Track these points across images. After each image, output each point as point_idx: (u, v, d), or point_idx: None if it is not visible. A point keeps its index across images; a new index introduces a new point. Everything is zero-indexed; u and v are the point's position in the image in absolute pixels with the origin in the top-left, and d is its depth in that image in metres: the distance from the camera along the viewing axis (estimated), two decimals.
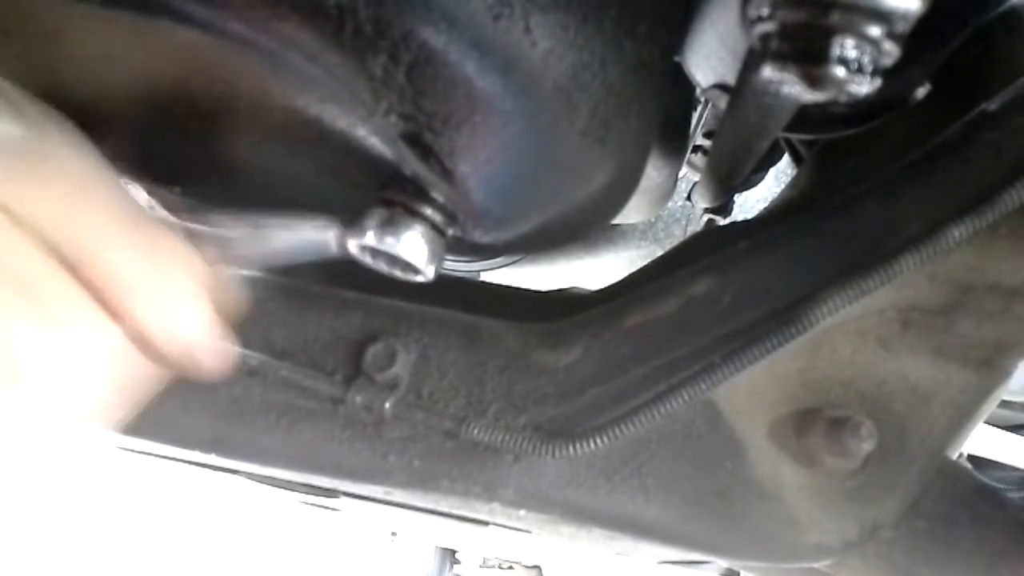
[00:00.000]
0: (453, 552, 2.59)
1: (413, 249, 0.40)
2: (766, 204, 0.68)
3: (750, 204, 1.30)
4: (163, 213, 0.38)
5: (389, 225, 0.40)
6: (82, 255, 0.30)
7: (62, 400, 0.32)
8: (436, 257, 0.41)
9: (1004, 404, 1.27)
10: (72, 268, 0.30)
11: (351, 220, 0.40)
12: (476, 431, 0.49)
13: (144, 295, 0.32)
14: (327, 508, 0.80)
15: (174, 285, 0.34)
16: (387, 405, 0.50)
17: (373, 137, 0.40)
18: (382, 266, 0.42)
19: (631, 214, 1.08)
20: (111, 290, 0.31)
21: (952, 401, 0.53)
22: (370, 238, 0.40)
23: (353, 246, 0.41)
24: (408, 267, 0.41)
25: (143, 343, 0.33)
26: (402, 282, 0.43)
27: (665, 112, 0.62)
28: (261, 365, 0.51)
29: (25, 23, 0.39)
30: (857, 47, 0.27)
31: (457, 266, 1.24)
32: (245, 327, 0.53)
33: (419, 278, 0.42)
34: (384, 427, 0.51)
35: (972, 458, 1.28)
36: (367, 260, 0.42)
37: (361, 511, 0.72)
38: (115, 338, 0.32)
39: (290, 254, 0.42)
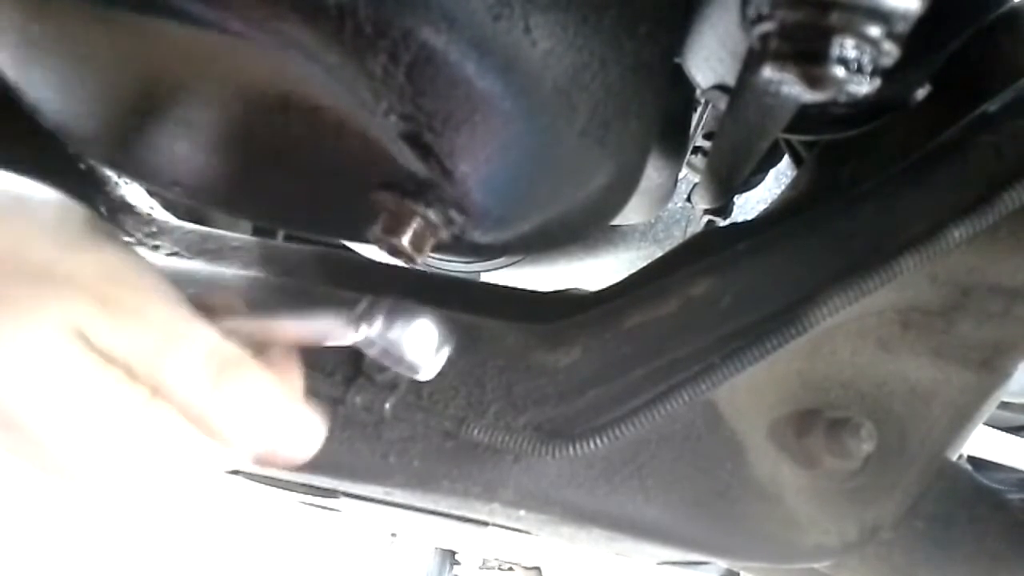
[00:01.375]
0: (453, 553, 2.58)
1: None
2: (766, 205, 0.68)
3: (750, 205, 1.30)
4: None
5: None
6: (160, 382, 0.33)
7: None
8: (445, 345, 0.39)
9: (1004, 406, 1.27)
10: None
11: (355, 316, 0.38)
12: (476, 431, 0.49)
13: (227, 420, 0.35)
14: (327, 508, 0.80)
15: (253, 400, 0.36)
16: (387, 405, 0.50)
17: (373, 136, 0.40)
18: (375, 354, 0.39)
19: (631, 215, 1.08)
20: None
21: (952, 402, 0.53)
22: (374, 332, 0.38)
23: (357, 341, 0.38)
24: (411, 367, 0.39)
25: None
26: (402, 282, 0.43)
27: (665, 113, 0.62)
28: None
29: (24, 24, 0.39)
30: (857, 47, 0.27)
31: (457, 266, 1.24)
32: None
33: (421, 376, 0.40)
34: (384, 427, 0.51)
35: (972, 459, 1.27)
36: (374, 355, 0.39)
37: (361, 511, 0.72)
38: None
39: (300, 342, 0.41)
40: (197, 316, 0.35)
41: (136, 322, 0.32)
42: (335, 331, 0.39)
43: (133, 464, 0.34)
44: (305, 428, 0.39)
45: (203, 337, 0.34)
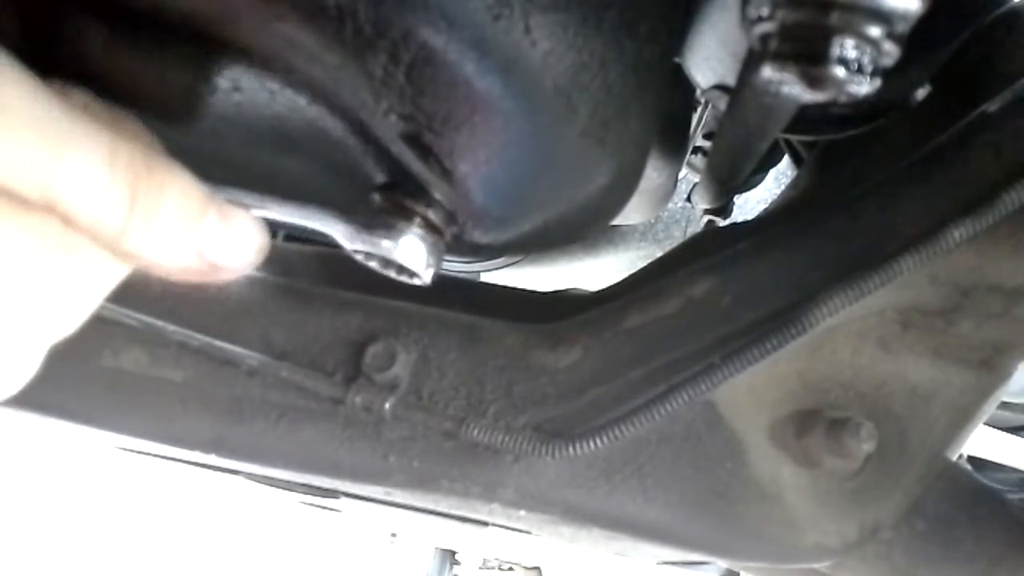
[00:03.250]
0: (453, 553, 2.59)
1: (410, 253, 0.40)
2: (766, 205, 0.68)
3: (750, 205, 1.30)
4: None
5: (387, 229, 0.40)
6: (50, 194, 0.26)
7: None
8: (434, 260, 0.41)
9: (1004, 406, 1.27)
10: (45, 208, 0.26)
11: (351, 221, 0.40)
12: (476, 431, 0.49)
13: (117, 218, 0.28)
14: (327, 508, 0.80)
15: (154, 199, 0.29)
16: (387, 405, 0.50)
17: (373, 137, 0.40)
18: (378, 267, 0.42)
19: (631, 215, 1.08)
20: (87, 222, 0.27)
21: (952, 402, 0.53)
22: (367, 241, 0.40)
23: (351, 247, 0.41)
24: (404, 271, 0.41)
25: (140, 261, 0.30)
26: (402, 282, 0.43)
27: (665, 113, 0.62)
28: (261, 365, 0.51)
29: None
30: (857, 47, 0.27)
31: (457, 266, 1.24)
32: (245, 327, 0.53)
33: (416, 281, 0.42)
34: (384, 427, 0.51)
35: (972, 459, 1.28)
36: (366, 261, 0.42)
37: (361, 512, 0.72)
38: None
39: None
40: (90, 123, 0.27)
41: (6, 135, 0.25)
42: (336, 235, 0.40)
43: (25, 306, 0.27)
44: (239, 229, 0.32)
45: (100, 142, 0.27)
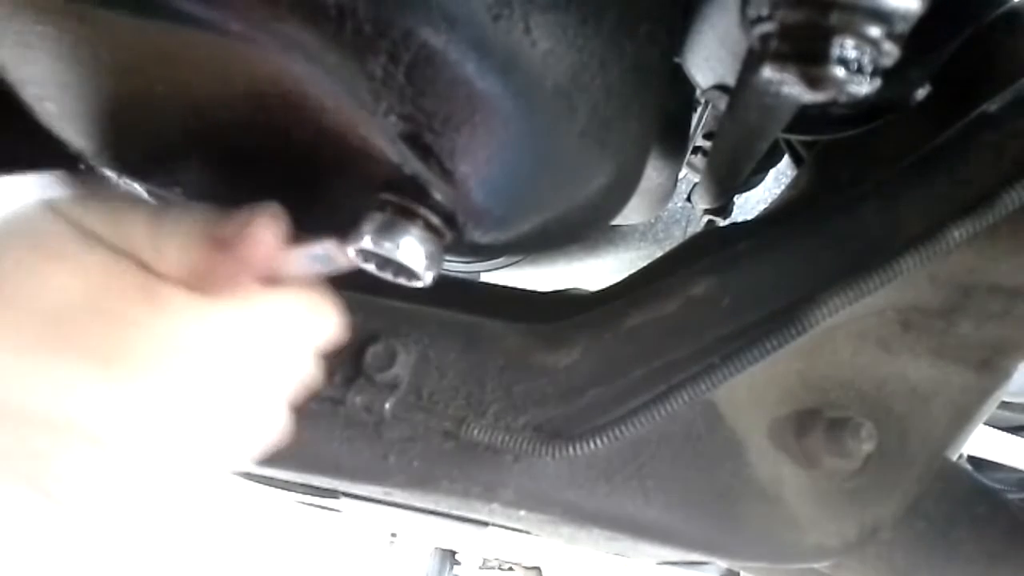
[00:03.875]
0: (453, 553, 2.59)
1: (411, 254, 0.40)
2: (766, 205, 0.68)
3: (750, 205, 1.30)
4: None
5: (387, 230, 0.40)
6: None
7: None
8: (434, 262, 0.41)
9: (1004, 405, 1.27)
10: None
11: (349, 226, 0.40)
12: (476, 432, 0.49)
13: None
14: (327, 508, 0.80)
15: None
16: (387, 405, 0.50)
17: (373, 137, 0.40)
18: (380, 271, 0.42)
19: (631, 215, 1.08)
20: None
21: (952, 402, 0.53)
22: (367, 242, 0.39)
23: (351, 251, 0.40)
24: (406, 272, 0.41)
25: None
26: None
27: (665, 113, 0.62)
28: None
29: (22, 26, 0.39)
30: (857, 47, 0.27)
31: (457, 267, 1.24)
32: None
33: (417, 283, 0.42)
34: (384, 427, 0.51)
35: (972, 459, 1.27)
36: (365, 265, 0.42)
37: (361, 511, 0.72)
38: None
39: (302, 270, 0.42)
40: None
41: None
42: (332, 254, 0.41)
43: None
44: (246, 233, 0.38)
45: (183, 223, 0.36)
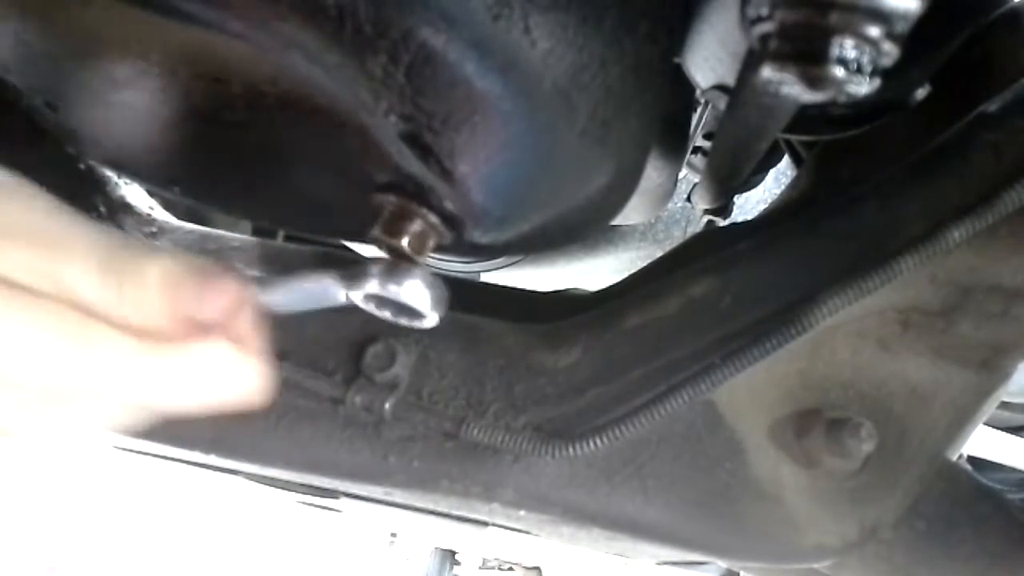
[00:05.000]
0: (453, 553, 2.59)
1: (416, 295, 0.39)
2: (766, 205, 0.68)
3: (750, 205, 1.30)
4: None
5: (391, 273, 0.39)
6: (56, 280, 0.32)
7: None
8: (440, 304, 0.40)
9: (1004, 405, 1.27)
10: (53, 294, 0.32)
11: (353, 272, 0.39)
12: (476, 431, 0.49)
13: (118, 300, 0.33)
14: (328, 509, 0.80)
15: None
16: (387, 405, 0.50)
17: (373, 137, 0.40)
18: (387, 314, 0.41)
19: (631, 215, 1.08)
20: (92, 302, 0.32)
21: (952, 402, 0.53)
22: (373, 287, 0.38)
23: (358, 297, 0.39)
24: (413, 313, 0.40)
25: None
26: None
27: (665, 113, 0.62)
28: None
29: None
30: (856, 47, 0.27)
31: (457, 266, 1.24)
32: None
33: (425, 324, 0.41)
34: (384, 427, 0.51)
35: (972, 459, 1.27)
36: (372, 309, 0.41)
37: (361, 511, 0.72)
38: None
39: (296, 306, 0.41)
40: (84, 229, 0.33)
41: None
42: (329, 292, 0.39)
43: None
44: (217, 286, 0.36)
45: (92, 246, 0.33)
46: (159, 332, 0.34)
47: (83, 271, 0.32)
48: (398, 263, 0.39)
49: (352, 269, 0.39)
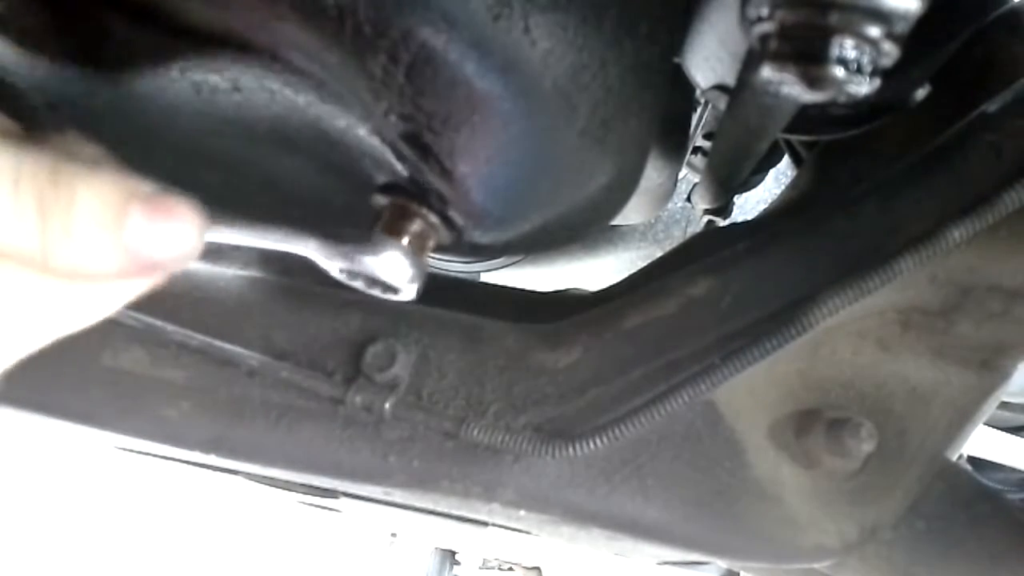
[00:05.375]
0: (453, 553, 2.58)
1: (392, 268, 0.39)
2: (766, 205, 0.68)
3: (750, 205, 1.30)
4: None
5: (368, 244, 0.38)
6: None
7: None
8: (416, 276, 0.40)
9: (1004, 406, 1.27)
10: None
11: (331, 241, 0.38)
12: (476, 432, 0.49)
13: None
14: (328, 509, 0.80)
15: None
16: (387, 405, 0.50)
17: (373, 137, 0.40)
18: (360, 284, 0.41)
19: (631, 215, 1.08)
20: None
21: (952, 402, 0.53)
22: (347, 259, 0.38)
23: (334, 268, 0.39)
24: (387, 287, 0.40)
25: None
26: None
27: (665, 113, 0.62)
28: (261, 365, 0.51)
29: None
30: (856, 47, 0.27)
31: (457, 266, 1.25)
32: (245, 327, 0.53)
33: (400, 297, 0.41)
34: (384, 427, 0.51)
35: (972, 459, 1.27)
36: (347, 280, 0.40)
37: (361, 511, 0.72)
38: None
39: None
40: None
41: None
42: (312, 256, 0.38)
43: None
44: (170, 219, 0.30)
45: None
46: (86, 272, 0.29)
47: None
48: (376, 235, 0.39)
49: (330, 239, 0.37)
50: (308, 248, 0.37)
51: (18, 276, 0.28)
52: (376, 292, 0.41)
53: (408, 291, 0.40)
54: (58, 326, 0.31)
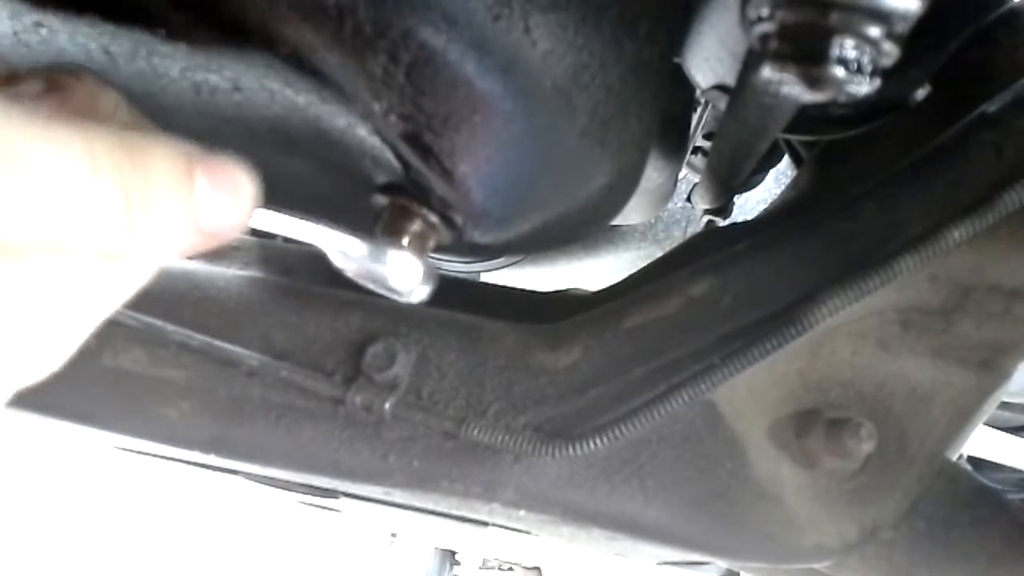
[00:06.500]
0: (453, 553, 2.58)
1: (402, 270, 0.39)
2: (766, 205, 0.68)
3: (750, 205, 1.30)
4: None
5: (379, 247, 0.38)
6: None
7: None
8: (427, 277, 0.40)
9: (1004, 406, 1.27)
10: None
11: (345, 243, 0.37)
12: (476, 432, 0.49)
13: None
14: (328, 509, 0.80)
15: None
16: (387, 406, 0.50)
17: (373, 137, 0.40)
18: (371, 285, 0.41)
19: (631, 215, 1.08)
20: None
21: (952, 402, 0.53)
22: (362, 259, 0.38)
23: (347, 269, 0.39)
24: (394, 291, 0.40)
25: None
26: None
27: (665, 113, 0.62)
28: (261, 365, 0.51)
29: None
30: (857, 47, 0.27)
31: (457, 266, 1.24)
32: (245, 327, 0.53)
33: (412, 299, 0.41)
34: (384, 427, 0.51)
35: (972, 459, 1.27)
36: (360, 280, 0.40)
37: (361, 511, 0.72)
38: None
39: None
40: (54, 128, 0.23)
41: None
42: (327, 250, 0.38)
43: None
44: (230, 183, 0.28)
45: (73, 146, 0.23)
46: (162, 250, 0.26)
47: (68, 186, 0.23)
48: (386, 238, 0.39)
49: (345, 240, 0.37)
50: (349, 246, 0.37)
51: (92, 265, 0.26)
52: (391, 294, 0.41)
53: (419, 293, 0.41)
54: (107, 307, 0.29)
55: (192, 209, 0.27)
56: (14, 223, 0.22)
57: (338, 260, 0.38)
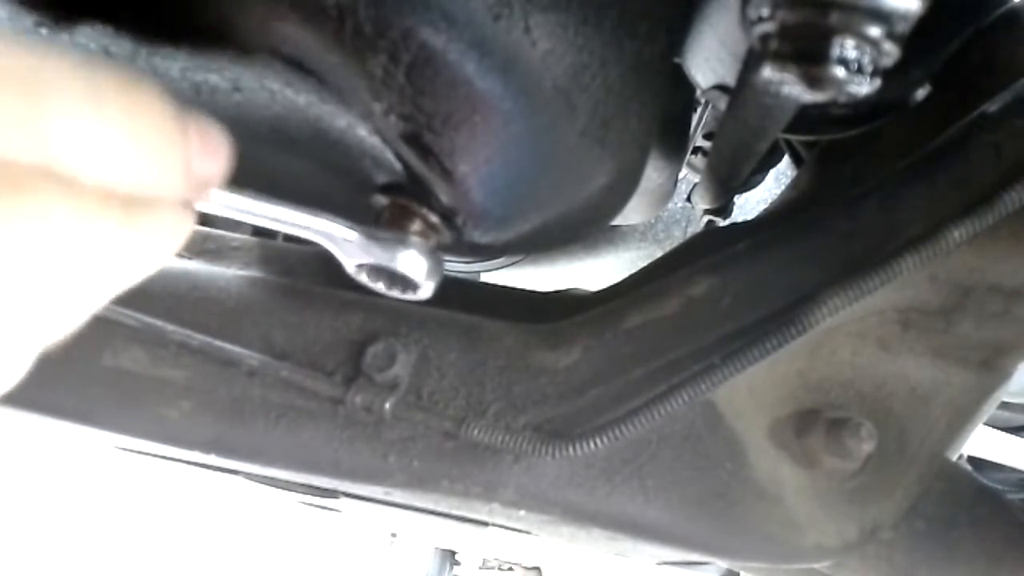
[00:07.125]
0: (453, 553, 2.59)
1: (411, 264, 0.39)
2: (766, 205, 0.68)
3: (750, 205, 1.30)
4: None
5: (387, 242, 0.38)
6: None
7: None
8: (434, 272, 0.40)
9: (1004, 406, 1.27)
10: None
11: (350, 239, 0.38)
12: (476, 432, 0.49)
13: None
14: (327, 509, 0.80)
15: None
16: (387, 405, 0.50)
17: (373, 137, 0.40)
18: (381, 286, 0.41)
19: (631, 215, 1.08)
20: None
21: (952, 402, 0.53)
22: (368, 254, 0.38)
23: (351, 265, 0.39)
24: (407, 283, 0.41)
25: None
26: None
27: (665, 113, 0.62)
28: (261, 365, 0.51)
29: None
30: (857, 47, 0.27)
31: (457, 266, 1.24)
32: (245, 327, 0.54)
33: (419, 295, 0.41)
34: (384, 427, 0.51)
35: (972, 459, 1.28)
36: (365, 280, 0.41)
37: (361, 511, 0.72)
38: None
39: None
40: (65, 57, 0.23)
41: None
42: (334, 247, 0.38)
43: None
44: (211, 135, 0.29)
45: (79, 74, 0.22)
46: (168, 190, 0.26)
47: (78, 106, 0.22)
48: (393, 234, 0.39)
49: (368, 231, 0.38)
50: (349, 236, 0.37)
51: (100, 214, 0.24)
52: (395, 292, 0.41)
53: (426, 288, 0.41)
54: (121, 267, 0.27)
55: (187, 152, 0.27)
56: (15, 142, 0.21)
57: (346, 253, 0.38)
